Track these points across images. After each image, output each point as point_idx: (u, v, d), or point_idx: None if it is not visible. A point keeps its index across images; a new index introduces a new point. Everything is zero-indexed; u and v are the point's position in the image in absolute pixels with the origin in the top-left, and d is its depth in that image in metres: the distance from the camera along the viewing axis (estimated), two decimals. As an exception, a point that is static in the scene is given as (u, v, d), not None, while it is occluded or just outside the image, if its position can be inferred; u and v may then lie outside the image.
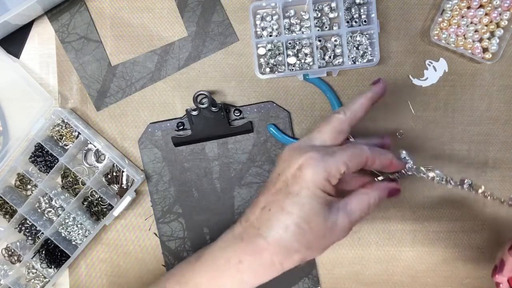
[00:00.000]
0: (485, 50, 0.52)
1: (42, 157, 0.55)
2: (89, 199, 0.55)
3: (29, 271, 0.56)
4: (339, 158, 0.37)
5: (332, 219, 0.36)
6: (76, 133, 0.54)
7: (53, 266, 0.54)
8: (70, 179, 0.55)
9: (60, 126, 0.55)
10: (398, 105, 0.54)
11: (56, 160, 0.53)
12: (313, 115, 0.54)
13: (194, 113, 0.52)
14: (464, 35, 0.52)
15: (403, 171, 0.42)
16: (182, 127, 0.54)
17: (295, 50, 0.52)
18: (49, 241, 0.54)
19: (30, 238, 0.56)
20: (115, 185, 0.55)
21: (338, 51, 0.52)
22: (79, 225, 0.55)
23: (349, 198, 0.39)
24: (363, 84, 0.54)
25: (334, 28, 0.52)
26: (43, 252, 0.54)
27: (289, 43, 0.52)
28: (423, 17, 0.53)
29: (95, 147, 0.55)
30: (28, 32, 0.56)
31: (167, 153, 0.55)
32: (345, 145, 0.39)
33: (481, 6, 0.51)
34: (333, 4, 0.52)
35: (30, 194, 0.55)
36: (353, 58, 0.51)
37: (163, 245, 0.55)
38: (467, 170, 0.53)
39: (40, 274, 0.55)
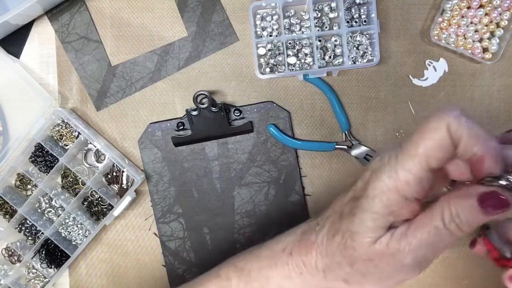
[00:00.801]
0: (485, 50, 0.52)
1: (42, 157, 0.54)
2: (89, 199, 0.55)
3: (29, 271, 0.56)
4: (415, 153, 0.27)
5: (384, 241, 0.29)
6: (76, 133, 0.54)
7: (53, 266, 0.54)
8: (70, 179, 0.55)
9: (60, 126, 0.55)
10: (398, 105, 0.53)
11: (56, 160, 0.53)
12: (313, 115, 0.54)
13: (194, 113, 0.52)
14: (464, 35, 0.52)
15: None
16: (182, 127, 0.54)
17: (295, 50, 0.52)
18: (49, 241, 0.54)
19: (30, 238, 0.56)
20: (115, 185, 0.55)
21: (338, 51, 0.52)
22: (79, 225, 0.55)
23: (420, 215, 0.30)
24: (363, 84, 0.54)
25: (334, 28, 0.52)
26: (43, 252, 0.54)
27: (289, 43, 0.52)
28: (423, 17, 0.53)
29: (95, 147, 0.55)
30: (28, 32, 0.56)
31: (167, 153, 0.55)
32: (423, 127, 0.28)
33: (481, 6, 0.51)
34: (333, 4, 0.52)
35: (30, 194, 0.55)
36: (353, 58, 0.51)
37: (163, 245, 0.55)
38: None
39: (40, 274, 0.55)
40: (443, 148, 0.27)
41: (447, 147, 0.27)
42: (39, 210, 0.56)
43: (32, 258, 0.54)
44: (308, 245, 0.33)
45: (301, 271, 0.33)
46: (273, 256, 0.35)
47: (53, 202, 0.56)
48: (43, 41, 0.56)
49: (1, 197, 0.54)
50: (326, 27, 0.52)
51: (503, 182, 0.26)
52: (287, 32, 0.52)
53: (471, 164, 0.28)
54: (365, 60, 0.51)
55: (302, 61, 0.52)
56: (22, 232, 0.56)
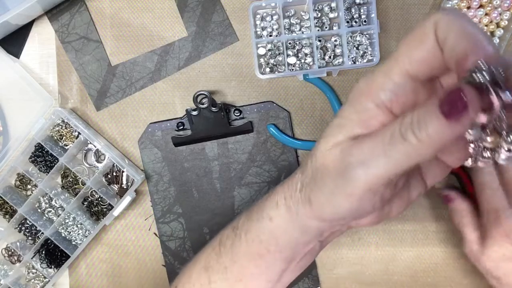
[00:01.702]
0: (485, 50, 0.52)
1: (42, 157, 0.54)
2: (89, 199, 0.55)
3: (29, 271, 0.56)
4: (395, 57, 0.23)
5: (340, 147, 0.26)
6: (76, 133, 0.54)
7: (53, 266, 0.54)
8: (70, 179, 0.55)
9: (60, 126, 0.55)
10: (398, 105, 0.53)
11: (56, 160, 0.53)
12: (313, 115, 0.54)
13: (194, 113, 0.52)
14: (464, 35, 0.52)
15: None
16: (182, 127, 0.54)
17: (295, 50, 0.52)
18: (49, 241, 0.54)
19: (30, 238, 0.56)
20: (115, 185, 0.55)
21: (338, 51, 0.52)
22: (79, 225, 0.55)
23: None
24: (363, 84, 0.54)
25: (334, 28, 0.52)
26: (43, 252, 0.54)
27: (289, 43, 0.52)
28: (423, 17, 0.53)
29: (95, 147, 0.55)
30: (28, 32, 0.56)
31: (167, 153, 0.55)
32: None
33: (481, 6, 0.51)
34: (333, 4, 0.52)
35: (30, 194, 0.55)
36: (353, 58, 0.51)
37: (163, 245, 0.55)
38: (467, 170, 0.53)
39: (40, 274, 0.55)
40: (428, 51, 0.22)
41: (432, 50, 0.22)
42: (39, 210, 0.56)
43: (32, 258, 0.54)
44: (298, 170, 0.31)
45: (285, 195, 0.31)
46: (272, 191, 0.34)
47: (53, 202, 0.56)
48: (43, 41, 0.56)
49: (1, 197, 0.54)
50: (326, 27, 0.52)
51: (480, 77, 0.19)
52: (287, 32, 0.52)
53: (456, 69, 0.21)
54: (365, 60, 0.51)
55: (302, 61, 0.52)
56: (22, 232, 0.56)
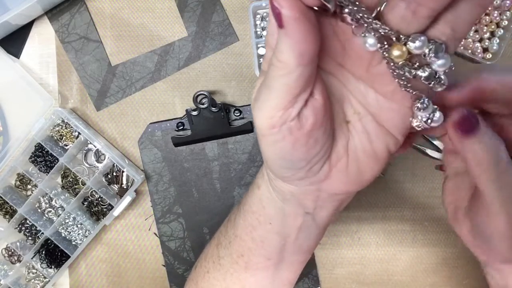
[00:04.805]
0: (485, 50, 0.52)
1: (42, 157, 0.55)
2: (89, 199, 0.55)
3: (29, 271, 0.56)
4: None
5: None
6: (76, 133, 0.54)
7: (53, 266, 0.54)
8: (70, 179, 0.55)
9: (60, 126, 0.55)
10: (398, 105, 0.53)
11: (56, 160, 0.53)
12: (313, 115, 0.54)
13: (194, 113, 0.52)
14: (464, 35, 0.52)
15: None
16: (182, 127, 0.54)
17: (295, 50, 0.52)
18: (49, 241, 0.54)
19: (30, 238, 0.56)
20: (115, 185, 0.55)
21: (338, 51, 0.52)
22: (79, 225, 0.55)
23: None
24: (363, 84, 0.54)
25: (334, 28, 0.52)
26: (43, 252, 0.54)
27: (289, 43, 0.52)
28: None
29: (95, 147, 0.55)
30: (28, 32, 0.56)
31: (167, 153, 0.55)
32: None
33: (481, 6, 0.51)
34: (333, 4, 0.52)
35: (30, 194, 0.55)
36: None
37: (163, 245, 0.55)
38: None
39: (40, 274, 0.55)
40: None
41: None
42: (39, 210, 0.56)
43: (32, 258, 0.54)
44: None
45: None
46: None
47: (53, 202, 0.56)
48: (43, 41, 0.56)
49: (1, 197, 0.54)
50: (326, 27, 0.52)
51: None
52: (287, 32, 0.52)
53: None
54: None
55: (302, 61, 0.52)
56: (22, 232, 0.56)
